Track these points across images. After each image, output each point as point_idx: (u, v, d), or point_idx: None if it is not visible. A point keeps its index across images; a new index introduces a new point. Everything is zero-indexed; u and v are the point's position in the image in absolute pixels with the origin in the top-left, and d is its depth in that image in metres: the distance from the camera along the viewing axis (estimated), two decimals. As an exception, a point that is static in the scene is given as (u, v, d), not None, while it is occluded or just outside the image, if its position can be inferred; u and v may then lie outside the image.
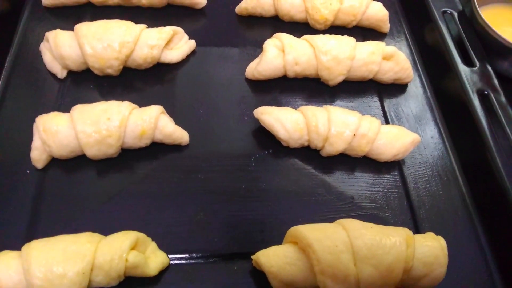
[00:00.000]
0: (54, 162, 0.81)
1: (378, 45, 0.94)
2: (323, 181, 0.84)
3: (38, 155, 0.77)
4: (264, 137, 0.87)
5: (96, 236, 0.68)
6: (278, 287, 0.67)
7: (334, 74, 0.92)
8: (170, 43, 0.94)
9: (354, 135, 0.81)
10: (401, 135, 0.84)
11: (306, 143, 0.85)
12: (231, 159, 0.85)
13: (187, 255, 0.74)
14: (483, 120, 0.88)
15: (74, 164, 0.81)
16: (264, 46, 0.92)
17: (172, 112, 0.87)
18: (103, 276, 0.65)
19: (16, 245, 0.67)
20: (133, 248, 0.68)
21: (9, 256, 0.65)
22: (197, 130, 0.87)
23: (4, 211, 0.75)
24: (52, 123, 0.76)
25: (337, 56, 0.90)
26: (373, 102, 0.97)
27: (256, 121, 0.87)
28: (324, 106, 0.86)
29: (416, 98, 0.99)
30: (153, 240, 0.73)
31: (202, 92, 0.93)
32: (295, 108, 0.87)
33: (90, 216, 0.76)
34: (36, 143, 0.77)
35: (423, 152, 0.90)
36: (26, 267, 0.62)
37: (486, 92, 0.92)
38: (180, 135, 0.83)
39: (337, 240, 0.66)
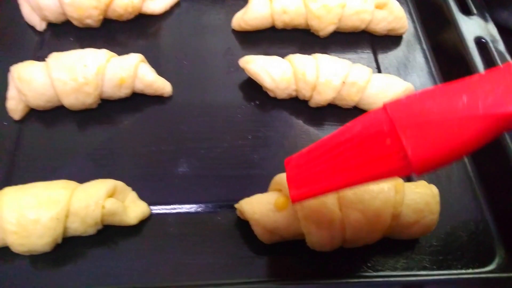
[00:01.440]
0: (33, 114, 0.78)
1: (371, -7, 0.90)
2: (311, 133, 0.81)
3: (14, 105, 0.75)
4: (251, 88, 0.84)
5: (71, 183, 0.66)
6: (261, 235, 0.65)
7: (325, 23, 0.88)
8: (153, -7, 0.90)
9: (344, 82, 0.78)
10: (393, 84, 0.80)
11: (294, 93, 0.81)
12: (215, 111, 0.82)
13: (169, 206, 0.71)
14: (480, 68, 0.84)
15: (53, 116, 0.78)
16: (250, -7, 0.88)
17: (156, 64, 0.83)
18: (79, 223, 0.62)
19: (-8, 196, 0.65)
20: (111, 196, 0.65)
21: (-19, 203, 0.63)
22: (181, 82, 0.84)
23: (-20, 163, 0.73)
24: (26, 71, 0.73)
25: (327, 4, 0.86)
26: (367, 54, 0.93)
27: (243, 73, 0.84)
28: (313, 54, 0.82)
29: (411, 50, 0.95)
30: (134, 191, 0.71)
31: (186, 44, 0.90)
32: (284, 60, 0.83)
33: (69, 168, 0.74)
34: (11, 93, 0.74)
35: (417, 103, 0.86)
36: (-2, 212, 0.60)
37: (484, 40, 0.87)
38: (162, 85, 0.79)
39: (322, 185, 0.63)
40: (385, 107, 0.46)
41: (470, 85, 0.44)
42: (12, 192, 0.62)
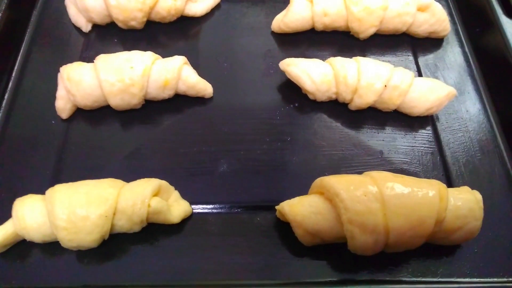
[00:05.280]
0: (79, 113, 0.81)
1: (413, -5, 0.88)
2: (350, 136, 0.81)
3: (62, 104, 0.77)
4: (290, 91, 0.84)
5: (118, 182, 0.68)
6: (302, 237, 0.66)
7: (366, 26, 0.87)
8: (194, -4, 0.92)
9: (386, 86, 0.77)
10: (435, 88, 0.79)
11: (334, 96, 0.81)
12: (255, 112, 0.82)
13: (210, 206, 0.73)
14: (526, 73, 0.82)
15: (98, 116, 0.81)
16: (291, -4, 0.89)
17: (196, 65, 0.84)
18: (125, 221, 0.64)
19: (40, 192, 0.68)
20: (156, 195, 0.67)
21: (33, 199, 0.65)
22: (221, 83, 0.85)
23: (29, 160, 0.76)
24: (76, 72, 0.75)
25: (369, 6, 0.85)
26: (407, 56, 0.92)
27: (282, 75, 0.84)
28: (354, 57, 0.82)
29: (452, 53, 0.93)
30: (176, 190, 0.73)
31: (226, 46, 0.91)
32: (324, 62, 0.83)
33: (113, 166, 0.76)
34: (60, 92, 0.77)
35: (459, 107, 0.85)
36: (50, 208, 0.62)
37: (530, 44, 0.85)
38: (204, 86, 0.81)
39: (366, 189, 0.63)
40: None
41: None
42: (63, 190, 0.64)
